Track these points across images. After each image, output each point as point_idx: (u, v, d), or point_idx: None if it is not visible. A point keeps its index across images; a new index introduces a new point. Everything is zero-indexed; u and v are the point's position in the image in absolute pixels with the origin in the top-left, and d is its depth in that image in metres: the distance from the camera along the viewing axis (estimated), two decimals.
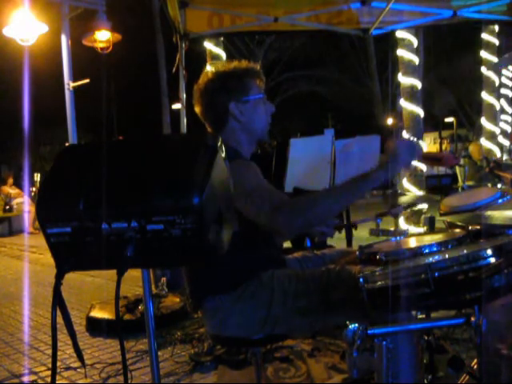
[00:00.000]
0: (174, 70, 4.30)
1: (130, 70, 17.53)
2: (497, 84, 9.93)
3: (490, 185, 2.88)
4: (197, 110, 1.77)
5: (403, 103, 7.56)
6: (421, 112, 7.56)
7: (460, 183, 7.39)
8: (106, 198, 1.02)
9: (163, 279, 4.00)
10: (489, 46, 9.60)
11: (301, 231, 1.83)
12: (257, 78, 1.74)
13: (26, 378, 2.76)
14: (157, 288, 4.01)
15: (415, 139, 7.20)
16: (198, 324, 3.29)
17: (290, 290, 1.61)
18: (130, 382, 2.57)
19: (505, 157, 9.63)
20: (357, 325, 1.20)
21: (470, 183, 6.38)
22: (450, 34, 16.58)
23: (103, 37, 5.42)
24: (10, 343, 3.36)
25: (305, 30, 4.82)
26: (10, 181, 11.23)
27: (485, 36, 9.56)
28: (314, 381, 2.44)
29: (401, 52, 7.48)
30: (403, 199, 2.60)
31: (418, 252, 1.39)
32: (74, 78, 5.93)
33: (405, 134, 7.51)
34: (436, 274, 1.17)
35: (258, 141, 1.79)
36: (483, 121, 9.94)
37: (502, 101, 10.49)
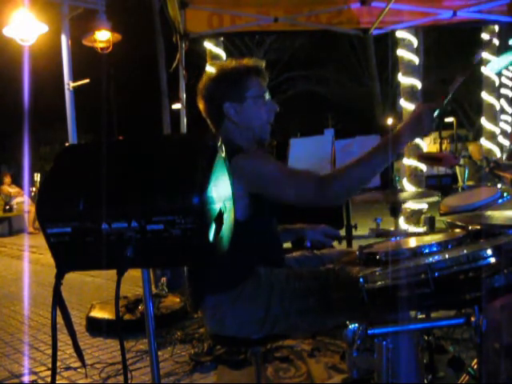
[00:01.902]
0: (172, 68, 4.30)
1: (130, 70, 17.52)
2: (497, 84, 9.92)
3: (489, 185, 2.87)
4: (200, 107, 1.78)
5: (403, 103, 7.55)
6: None
7: (460, 183, 7.38)
8: (105, 198, 1.02)
9: (163, 279, 4.00)
10: (489, 46, 9.58)
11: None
12: (259, 76, 1.71)
13: (26, 378, 2.76)
14: (157, 288, 4.01)
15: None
16: (198, 324, 3.29)
17: (289, 290, 1.60)
18: (129, 382, 2.57)
19: (504, 157, 9.61)
20: (357, 325, 1.20)
21: (470, 183, 6.37)
22: (450, 34, 16.55)
23: (103, 37, 5.42)
24: (9, 343, 3.36)
25: (305, 30, 4.81)
26: (8, 180, 11.19)
27: (485, 36, 9.55)
28: (314, 381, 2.44)
29: (401, 52, 7.48)
30: (403, 195, 2.60)
31: (417, 252, 1.39)
32: (74, 78, 5.93)
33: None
34: (436, 274, 1.17)
35: (258, 140, 1.75)
36: (483, 121, 9.93)
37: (502, 101, 10.46)
